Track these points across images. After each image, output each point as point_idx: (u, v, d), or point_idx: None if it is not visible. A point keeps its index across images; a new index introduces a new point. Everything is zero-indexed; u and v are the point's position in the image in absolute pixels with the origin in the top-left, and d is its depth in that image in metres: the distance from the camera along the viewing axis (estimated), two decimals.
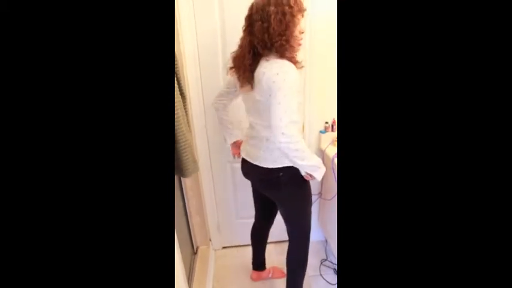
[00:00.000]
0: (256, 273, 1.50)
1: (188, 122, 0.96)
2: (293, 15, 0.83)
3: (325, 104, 1.40)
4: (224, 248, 1.74)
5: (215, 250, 1.72)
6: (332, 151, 1.39)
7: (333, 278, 1.49)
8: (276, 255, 1.63)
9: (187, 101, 1.13)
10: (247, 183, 1.22)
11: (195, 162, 0.95)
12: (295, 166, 0.95)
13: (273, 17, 0.81)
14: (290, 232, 1.19)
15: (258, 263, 1.48)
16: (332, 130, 1.46)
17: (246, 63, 0.90)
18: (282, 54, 0.87)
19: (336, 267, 1.54)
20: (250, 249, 1.69)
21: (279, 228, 1.38)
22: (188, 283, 1.19)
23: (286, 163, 0.98)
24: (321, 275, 1.51)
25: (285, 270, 1.28)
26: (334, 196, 1.37)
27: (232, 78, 1.04)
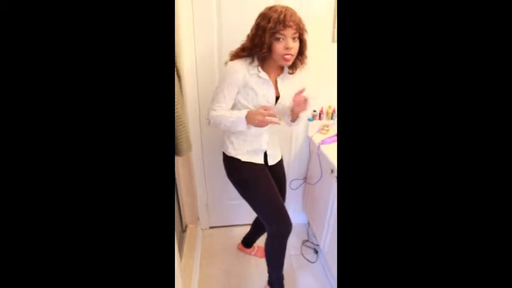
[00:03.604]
0: (242, 245, 1.63)
1: (182, 102, 1.00)
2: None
3: (313, 93, 1.46)
4: (211, 227, 1.82)
5: (202, 229, 1.79)
6: (318, 138, 1.46)
7: (313, 257, 1.60)
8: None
9: (183, 81, 1.16)
10: None
11: (188, 141, 0.99)
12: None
13: None
14: None
15: (248, 241, 1.59)
16: (320, 118, 1.53)
17: None
18: None
19: (315, 247, 1.64)
20: (236, 229, 1.78)
21: None
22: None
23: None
24: (302, 254, 1.62)
25: None
26: (318, 181, 1.45)
27: None
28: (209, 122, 1.06)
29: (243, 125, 0.96)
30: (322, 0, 1.30)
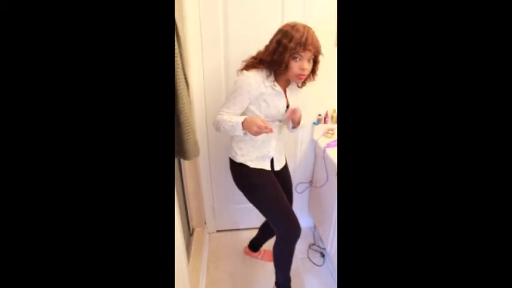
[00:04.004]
0: (248, 249, 1.64)
1: (190, 107, 1.03)
2: None
3: (319, 98, 1.48)
4: (218, 231, 1.83)
5: (209, 233, 1.81)
6: (323, 141, 1.47)
7: (319, 260, 1.60)
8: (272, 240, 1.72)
9: (190, 88, 1.19)
10: None
11: (196, 145, 1.02)
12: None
13: None
14: None
15: (255, 245, 1.60)
16: (325, 122, 1.55)
17: None
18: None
19: (322, 250, 1.65)
20: (243, 233, 1.79)
21: None
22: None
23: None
24: (308, 257, 1.62)
25: None
26: (323, 184, 1.46)
27: None
28: (213, 124, 1.11)
29: (239, 131, 1.01)
30: (325, 4, 1.32)
